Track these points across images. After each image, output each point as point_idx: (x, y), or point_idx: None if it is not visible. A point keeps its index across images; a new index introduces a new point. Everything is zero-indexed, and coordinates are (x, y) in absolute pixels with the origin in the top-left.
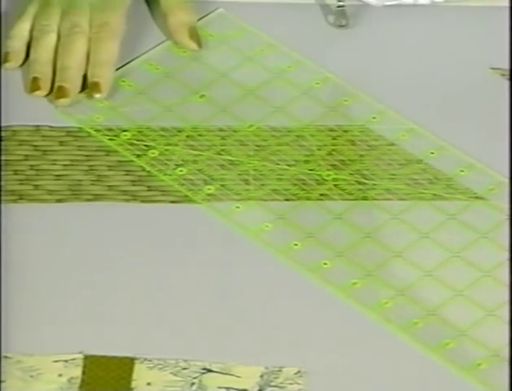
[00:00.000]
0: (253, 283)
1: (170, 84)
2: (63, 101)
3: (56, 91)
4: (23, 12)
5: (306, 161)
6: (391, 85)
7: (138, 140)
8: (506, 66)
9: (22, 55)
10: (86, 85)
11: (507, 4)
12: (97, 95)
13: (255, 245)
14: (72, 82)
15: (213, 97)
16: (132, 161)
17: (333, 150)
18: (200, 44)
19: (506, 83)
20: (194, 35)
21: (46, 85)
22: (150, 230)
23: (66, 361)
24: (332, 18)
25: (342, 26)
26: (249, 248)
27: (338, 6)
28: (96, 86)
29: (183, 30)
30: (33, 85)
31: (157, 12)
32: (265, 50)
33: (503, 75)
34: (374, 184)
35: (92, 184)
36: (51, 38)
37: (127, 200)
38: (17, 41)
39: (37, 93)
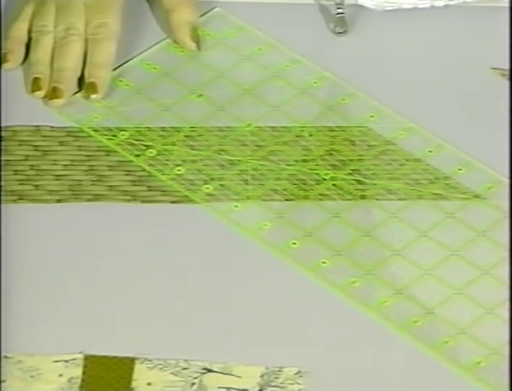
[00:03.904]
0: (252, 282)
1: (168, 83)
2: (57, 102)
3: (51, 92)
4: (19, 12)
5: (305, 160)
6: (390, 84)
7: (136, 140)
8: (506, 66)
9: (21, 56)
10: (83, 86)
11: (507, 4)
12: (93, 96)
13: (254, 244)
14: (67, 84)
15: (211, 96)
16: (132, 161)
17: (332, 149)
18: (199, 45)
19: (506, 83)
20: (195, 36)
21: (46, 86)
22: (150, 230)
23: (66, 361)
24: (331, 25)
25: (340, 33)
26: (247, 247)
27: (337, 14)
28: (93, 87)
29: (185, 29)
30: (34, 86)
31: (159, 8)
32: (263, 49)
33: (503, 75)
34: (373, 183)
35: (92, 184)
36: (49, 39)
37: (127, 200)
38: (15, 42)
39: (38, 93)
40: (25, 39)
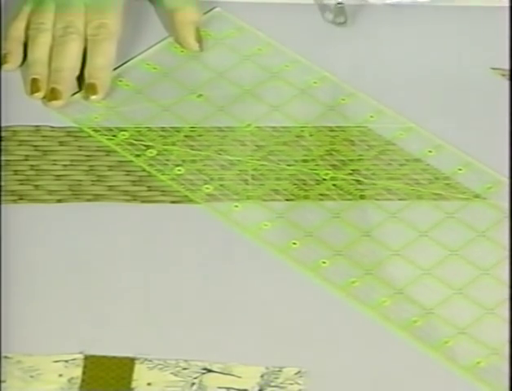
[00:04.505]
0: (252, 282)
1: (168, 83)
2: (56, 103)
3: (49, 93)
4: (18, 11)
5: (305, 160)
6: (390, 84)
7: (136, 140)
8: (506, 66)
9: (20, 56)
10: (83, 86)
11: (507, 4)
12: (93, 97)
13: (254, 244)
14: (66, 84)
15: (210, 96)
16: (132, 161)
17: (332, 149)
18: (201, 46)
19: (506, 83)
20: (198, 36)
21: (45, 87)
22: (150, 230)
23: (66, 361)
24: (330, 15)
25: (340, 23)
26: (247, 247)
27: (338, 3)
28: (93, 88)
29: (189, 29)
30: (33, 87)
31: (162, 7)
32: (262, 49)
33: (503, 75)
34: (373, 183)
35: (92, 184)
36: (47, 37)
37: (127, 200)
38: (14, 42)
39: (37, 95)
40: (23, 38)
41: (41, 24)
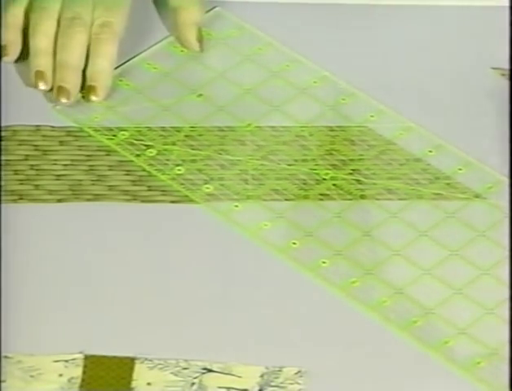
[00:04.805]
0: (252, 282)
1: (168, 83)
2: (64, 101)
3: (57, 91)
4: None
5: (305, 160)
6: (390, 84)
7: (136, 139)
8: (506, 66)
9: (19, 45)
10: (84, 86)
11: (507, 4)
12: (94, 98)
13: (254, 244)
14: (73, 82)
15: (211, 96)
16: (132, 161)
17: (332, 149)
18: (202, 47)
19: (506, 83)
20: (200, 36)
21: (49, 78)
22: (150, 230)
23: (66, 361)
24: None
25: None
26: (247, 247)
27: None
28: (93, 90)
29: (192, 28)
30: (38, 79)
31: (166, 6)
32: (263, 48)
33: (503, 75)
34: (373, 183)
35: (92, 184)
36: (51, 26)
37: (127, 200)
38: (13, 31)
39: (43, 87)
40: (22, 24)
41: (44, 8)
